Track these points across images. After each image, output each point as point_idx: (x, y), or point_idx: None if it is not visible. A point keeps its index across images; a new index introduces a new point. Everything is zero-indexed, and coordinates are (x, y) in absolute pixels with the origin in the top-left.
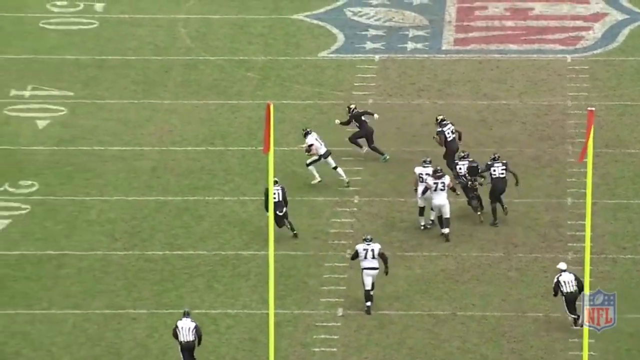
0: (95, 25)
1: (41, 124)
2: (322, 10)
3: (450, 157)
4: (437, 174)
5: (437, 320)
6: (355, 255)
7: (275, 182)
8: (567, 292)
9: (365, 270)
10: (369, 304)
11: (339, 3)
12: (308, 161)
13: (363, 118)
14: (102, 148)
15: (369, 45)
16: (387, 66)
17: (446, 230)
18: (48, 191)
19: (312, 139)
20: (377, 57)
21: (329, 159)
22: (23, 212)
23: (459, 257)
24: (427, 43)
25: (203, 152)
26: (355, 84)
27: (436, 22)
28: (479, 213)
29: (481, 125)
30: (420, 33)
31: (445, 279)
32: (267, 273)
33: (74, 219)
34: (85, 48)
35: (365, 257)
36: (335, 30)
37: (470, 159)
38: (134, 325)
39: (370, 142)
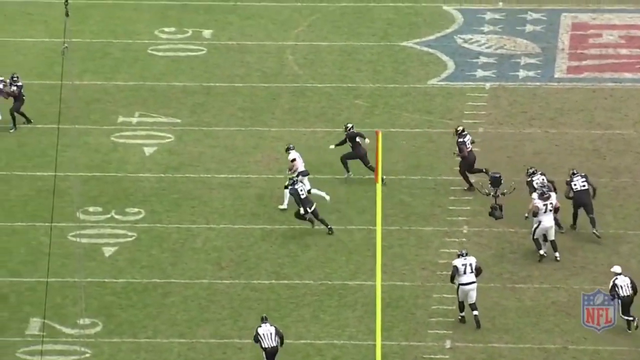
0: (203, 52)
1: (148, 151)
2: (432, 37)
3: (468, 168)
4: (544, 196)
5: (548, 353)
6: (455, 272)
7: (296, 180)
8: (623, 296)
9: (462, 287)
10: (475, 313)
11: (449, 30)
12: (286, 183)
13: (357, 139)
14: (209, 175)
15: (479, 73)
16: (498, 94)
17: (557, 255)
18: (154, 219)
19: (295, 154)
20: (487, 85)
21: (306, 179)
22: (129, 239)
23: (571, 289)
24: (539, 71)
25: (310, 180)
26: (465, 112)
27: (549, 49)
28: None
29: (594, 154)
30: (533, 61)
31: (556, 311)
32: (374, 303)
33: (180, 246)
34: (193, 75)
35: (465, 272)
36: (445, 58)
37: (541, 172)
38: (240, 354)
39: (366, 163)
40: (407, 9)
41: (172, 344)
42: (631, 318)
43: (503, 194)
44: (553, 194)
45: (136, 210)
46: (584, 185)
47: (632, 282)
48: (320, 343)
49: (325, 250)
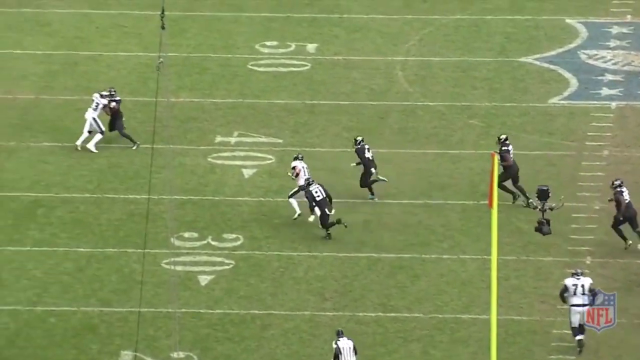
0: (306, 68)
1: (247, 172)
2: (553, 52)
3: (511, 178)
4: None
5: None
6: (564, 290)
7: (312, 181)
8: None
9: (573, 308)
10: (580, 337)
11: (572, 45)
12: (290, 193)
13: (367, 155)
14: None
15: (605, 91)
16: (625, 114)
17: None
18: (253, 245)
19: (298, 162)
20: (613, 104)
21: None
22: (227, 267)
23: None
24: None
25: (420, 205)
26: (589, 134)
27: None
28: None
29: None
30: None
31: None
32: (488, 339)
33: (281, 275)
34: (296, 92)
35: (575, 293)
36: (567, 75)
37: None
38: None
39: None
40: (526, 22)
41: None
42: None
43: (551, 208)
44: None
45: (234, 236)
46: (627, 198)
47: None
48: None
49: (436, 281)
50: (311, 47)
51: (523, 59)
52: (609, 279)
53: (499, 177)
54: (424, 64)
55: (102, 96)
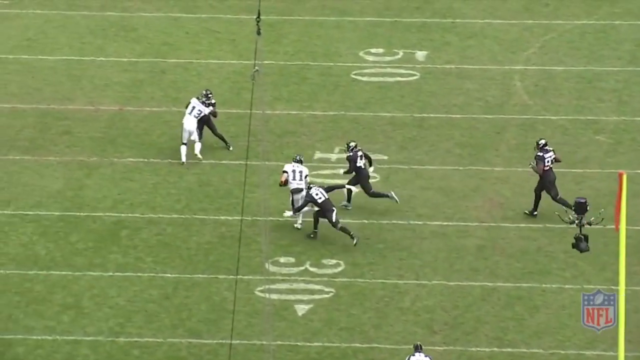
0: (415, 77)
1: (353, 190)
2: None
3: (547, 187)
4: None
5: None
6: None
7: (311, 186)
8: None
9: None
10: None
11: None
12: (295, 207)
13: (359, 163)
14: (420, 222)
15: None
16: None
17: None
18: (356, 272)
19: (289, 166)
20: None
21: (297, 196)
22: (326, 296)
23: None
24: None
25: (540, 229)
26: None
27: None
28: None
29: None
30: None
31: None
32: None
33: (385, 305)
34: (403, 104)
35: None
36: None
37: None
38: None
39: (367, 189)
40: None
41: None
42: None
43: (589, 223)
44: None
45: (334, 262)
46: None
47: None
48: None
49: (558, 314)
50: (420, 54)
51: None
52: None
53: (537, 184)
54: (545, 73)
55: (204, 104)
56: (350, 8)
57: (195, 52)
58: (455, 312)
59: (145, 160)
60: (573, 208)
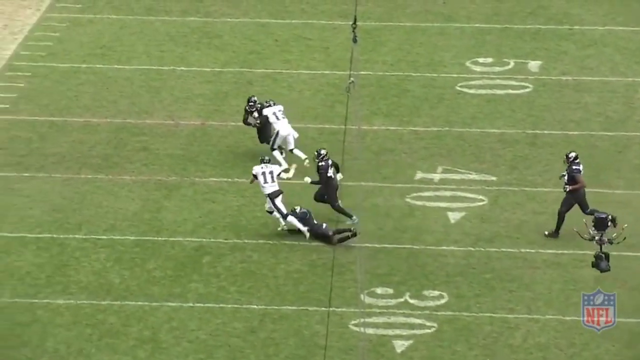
0: (528, 90)
1: (454, 216)
2: None
3: (577, 200)
4: None
5: None
6: None
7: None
8: None
9: None
10: None
11: None
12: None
13: (330, 173)
14: (532, 251)
15: None
16: None
17: None
18: (461, 305)
19: (258, 168)
20: None
21: (277, 199)
22: (428, 331)
23: None
24: None
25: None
26: None
27: None
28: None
29: None
30: None
31: None
32: None
33: (493, 342)
34: (514, 119)
35: None
36: None
37: None
38: None
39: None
40: None
41: None
42: None
43: (610, 241)
44: None
45: (437, 293)
46: None
47: None
48: None
49: None
50: (534, 64)
51: None
52: None
53: (562, 203)
54: None
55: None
56: (456, 13)
57: (285, 61)
58: (571, 351)
59: (230, 180)
60: (593, 224)
